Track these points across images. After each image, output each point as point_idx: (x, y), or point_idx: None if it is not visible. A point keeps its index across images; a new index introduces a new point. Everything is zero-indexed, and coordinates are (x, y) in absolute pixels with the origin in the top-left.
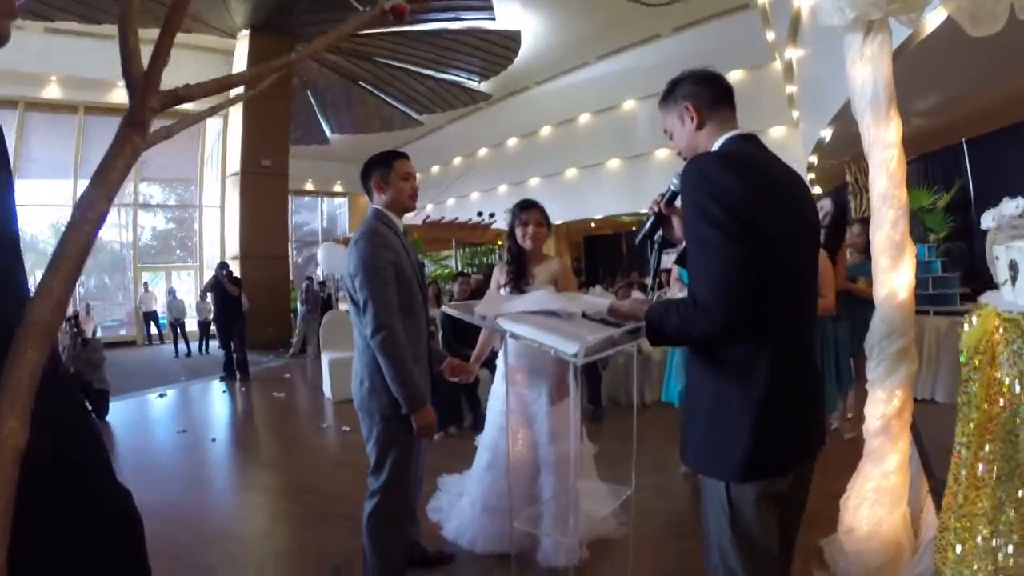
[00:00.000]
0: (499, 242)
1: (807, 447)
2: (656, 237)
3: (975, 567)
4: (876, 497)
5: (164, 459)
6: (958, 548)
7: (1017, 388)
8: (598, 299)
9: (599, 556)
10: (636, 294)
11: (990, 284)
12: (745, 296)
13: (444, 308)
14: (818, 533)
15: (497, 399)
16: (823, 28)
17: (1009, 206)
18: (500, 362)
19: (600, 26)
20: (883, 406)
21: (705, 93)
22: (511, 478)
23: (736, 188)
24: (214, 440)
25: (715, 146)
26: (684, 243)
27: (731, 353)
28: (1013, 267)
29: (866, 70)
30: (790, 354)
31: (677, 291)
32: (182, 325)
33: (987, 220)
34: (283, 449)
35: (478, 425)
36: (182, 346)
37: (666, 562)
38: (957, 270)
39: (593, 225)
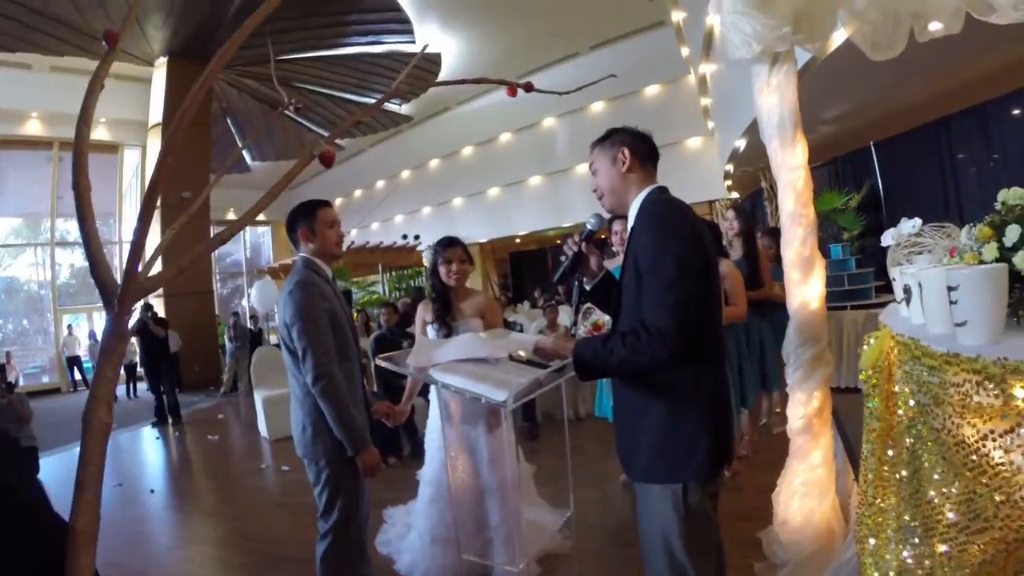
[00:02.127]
0: (425, 264)
1: (732, 449)
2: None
3: (887, 557)
4: (805, 490)
5: (102, 517)
6: (872, 541)
7: (911, 402)
8: (524, 337)
9: (549, 571)
10: (564, 312)
11: None
12: (696, 324)
13: (378, 360)
14: (754, 526)
15: (435, 433)
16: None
17: (907, 225)
18: (434, 396)
19: (518, 46)
20: (803, 407)
21: (641, 147)
22: (455, 510)
23: (689, 231)
24: (152, 492)
25: (641, 195)
26: (598, 277)
27: (681, 375)
28: (907, 291)
29: (773, 98)
30: (721, 371)
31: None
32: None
33: (887, 238)
34: (223, 495)
35: (417, 453)
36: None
37: (612, 571)
38: (871, 265)
39: (518, 241)
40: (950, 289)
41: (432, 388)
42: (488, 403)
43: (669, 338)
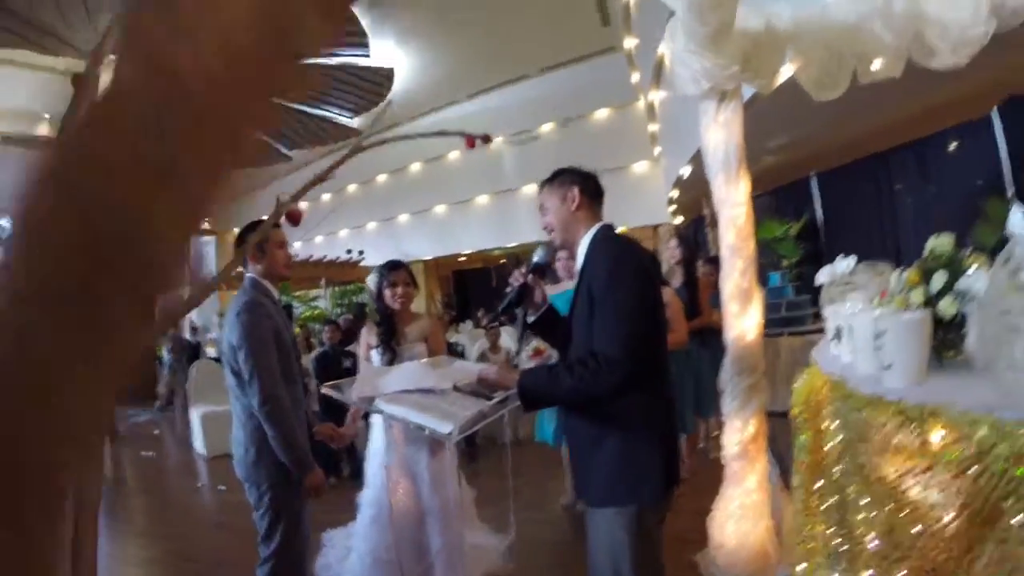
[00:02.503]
0: (369, 286)
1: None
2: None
3: None
4: (741, 513)
5: None
6: (802, 566)
7: (839, 437)
8: (468, 365)
9: None
10: (506, 334)
11: None
12: (645, 354)
13: (323, 389)
14: (691, 548)
15: (376, 455)
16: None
17: (841, 265)
18: (376, 418)
19: (471, 66)
20: (739, 434)
21: (589, 186)
22: (396, 532)
23: (639, 265)
24: None
25: (591, 232)
26: (541, 310)
27: (633, 404)
28: (838, 331)
29: (719, 135)
30: (669, 398)
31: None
32: None
33: (822, 276)
34: (158, 514)
35: (356, 474)
36: None
37: None
38: (808, 293)
39: (462, 259)
40: (877, 335)
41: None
42: (433, 435)
43: (619, 367)
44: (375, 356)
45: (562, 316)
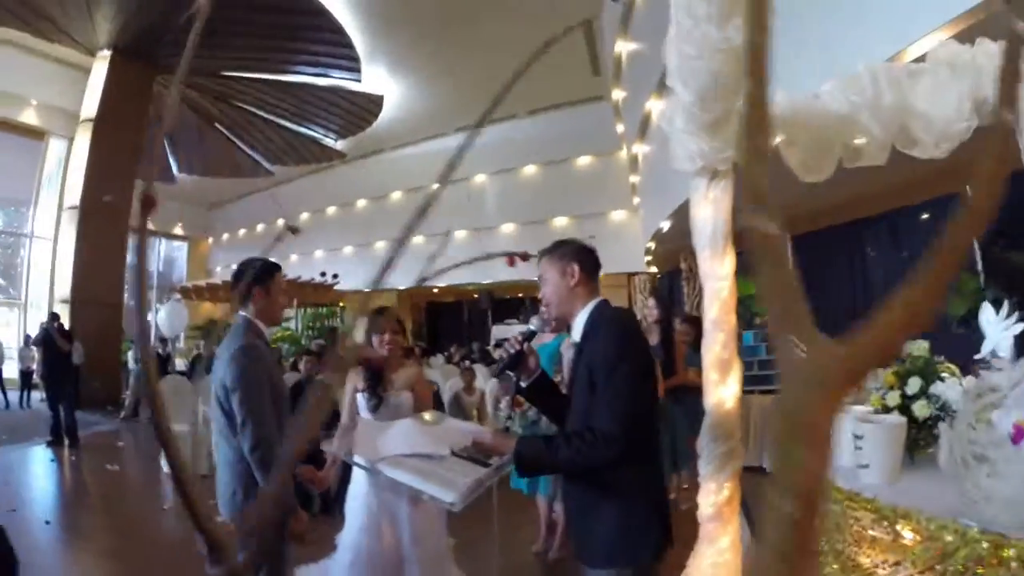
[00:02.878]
0: (341, 303)
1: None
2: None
3: None
4: (713, 572)
5: None
6: None
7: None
8: (462, 426)
9: None
10: (479, 372)
11: None
12: (640, 428)
13: (324, 446)
14: None
15: (358, 499)
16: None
17: None
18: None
19: (460, 101)
20: (714, 496)
21: (587, 261)
22: None
23: (637, 346)
24: (48, 523)
25: (589, 307)
26: (534, 376)
27: (630, 473)
28: None
29: (708, 211)
30: (659, 462)
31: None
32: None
33: None
34: (124, 535)
35: (327, 510)
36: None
37: None
38: None
39: (435, 291)
40: (856, 437)
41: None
42: (437, 504)
43: (615, 443)
44: (361, 401)
45: (552, 382)
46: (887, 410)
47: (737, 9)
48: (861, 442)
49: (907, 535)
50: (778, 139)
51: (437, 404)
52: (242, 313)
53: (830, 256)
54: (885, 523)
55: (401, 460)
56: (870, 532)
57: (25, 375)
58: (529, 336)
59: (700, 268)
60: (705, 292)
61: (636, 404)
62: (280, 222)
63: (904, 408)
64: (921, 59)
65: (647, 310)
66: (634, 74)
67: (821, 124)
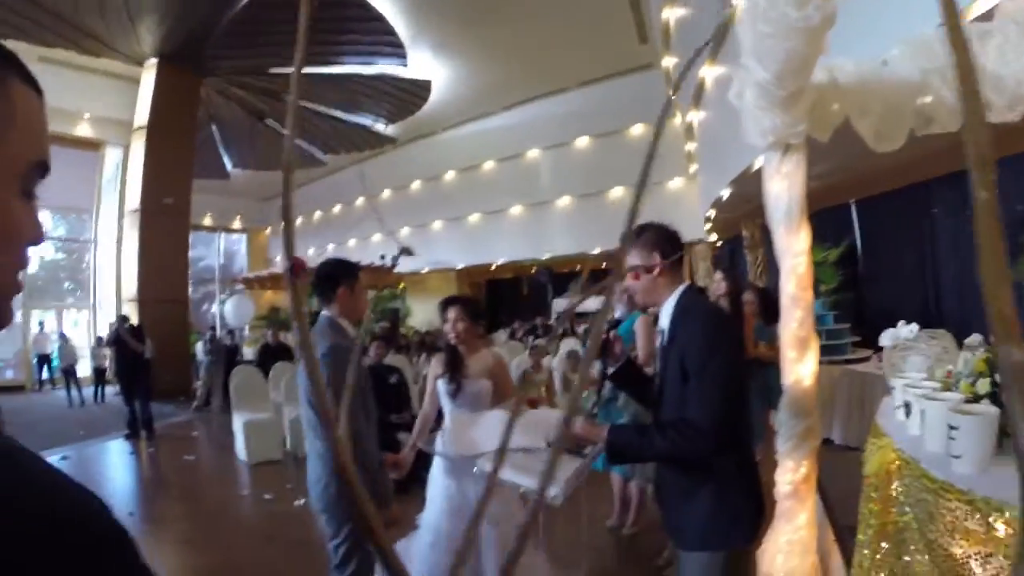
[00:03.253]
0: (401, 285)
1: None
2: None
3: None
4: (789, 548)
5: None
6: None
7: (907, 510)
8: (552, 415)
9: None
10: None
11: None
12: (734, 418)
13: (419, 444)
14: None
15: (437, 481)
16: (727, 102)
17: (904, 330)
18: (439, 446)
19: (508, 77)
20: (792, 474)
21: (670, 248)
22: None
23: (729, 336)
24: (131, 515)
25: (675, 295)
26: (620, 362)
27: (723, 461)
28: (907, 406)
29: (782, 185)
30: (751, 447)
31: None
32: (74, 372)
33: (886, 339)
34: (207, 523)
35: (402, 489)
36: (75, 394)
37: None
38: (847, 320)
39: (494, 268)
40: (951, 427)
41: (437, 444)
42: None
43: (710, 436)
44: (441, 386)
45: (638, 368)
46: (977, 398)
47: None
48: (956, 432)
49: (1000, 528)
50: (848, 114)
51: None
52: (325, 313)
53: (896, 220)
54: (978, 515)
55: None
56: (964, 523)
57: (98, 372)
58: (614, 324)
59: (775, 244)
60: (781, 268)
61: (729, 397)
62: (337, 208)
63: (994, 396)
64: (988, 16)
65: (714, 284)
66: (683, 40)
67: (891, 92)
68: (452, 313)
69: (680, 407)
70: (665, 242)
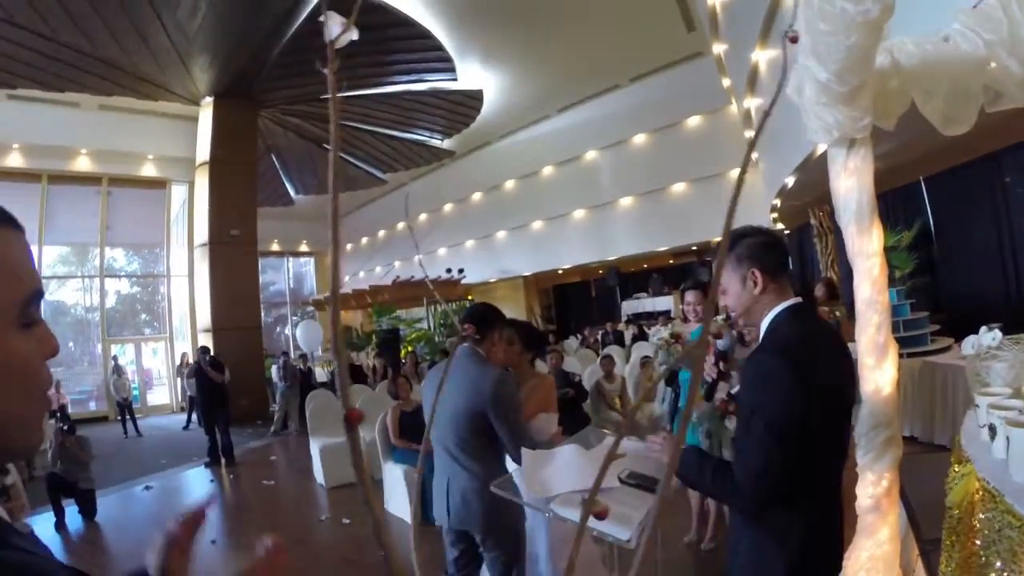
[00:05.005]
0: (469, 296)
1: None
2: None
3: None
4: (871, 565)
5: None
6: None
7: (990, 545)
8: (628, 445)
9: None
10: (616, 355)
11: (955, 317)
12: (775, 485)
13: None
14: None
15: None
16: (785, 87)
17: (987, 337)
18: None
19: (559, 80)
20: (873, 487)
21: (770, 259)
22: None
23: (795, 397)
24: (214, 542)
25: (773, 312)
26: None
27: (770, 515)
28: (992, 429)
29: (850, 181)
30: (823, 518)
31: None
32: (129, 406)
33: (968, 347)
34: (288, 549)
35: None
36: (131, 426)
37: None
38: (924, 308)
39: (560, 273)
40: None
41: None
42: (614, 542)
43: (749, 493)
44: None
45: None
46: None
47: None
48: None
49: None
50: (914, 97)
51: (579, 394)
52: (473, 347)
53: (969, 196)
54: None
55: (570, 497)
56: None
57: (191, 400)
58: (722, 356)
59: (847, 245)
60: (855, 271)
61: (768, 458)
62: (400, 225)
63: None
64: None
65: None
66: (732, 25)
67: (956, 69)
68: (494, 335)
69: (740, 440)
70: (764, 251)
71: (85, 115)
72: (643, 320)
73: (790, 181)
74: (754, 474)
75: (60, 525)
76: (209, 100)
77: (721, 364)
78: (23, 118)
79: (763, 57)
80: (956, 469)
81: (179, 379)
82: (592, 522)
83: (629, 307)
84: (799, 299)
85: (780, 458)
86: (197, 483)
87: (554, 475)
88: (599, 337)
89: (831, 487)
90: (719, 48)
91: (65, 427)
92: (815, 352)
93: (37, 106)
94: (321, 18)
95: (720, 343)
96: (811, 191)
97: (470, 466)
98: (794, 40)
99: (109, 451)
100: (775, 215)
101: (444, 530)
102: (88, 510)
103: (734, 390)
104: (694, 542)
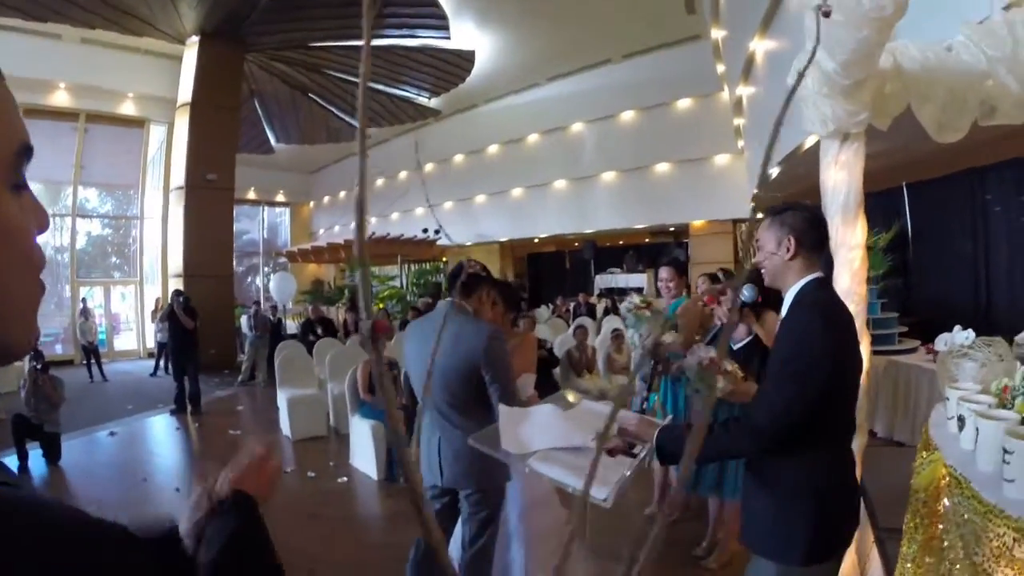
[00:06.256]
0: (444, 259)
1: (851, 534)
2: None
3: None
4: None
5: (129, 514)
6: None
7: (953, 529)
8: (596, 407)
9: None
10: (588, 324)
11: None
12: (794, 423)
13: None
14: None
15: None
16: (779, 77)
17: (960, 335)
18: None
19: (552, 49)
20: None
21: (811, 234)
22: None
23: (828, 352)
24: (177, 490)
25: (799, 284)
26: (743, 341)
27: (787, 467)
28: (961, 420)
29: (840, 175)
30: (843, 455)
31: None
32: (96, 350)
33: (940, 344)
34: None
35: None
36: (96, 371)
37: None
38: (895, 308)
39: (536, 241)
40: (1006, 451)
41: None
42: (592, 500)
43: (760, 437)
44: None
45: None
46: None
47: None
48: (1010, 456)
49: None
50: (911, 101)
51: (551, 360)
52: (460, 302)
53: (949, 205)
54: None
55: (550, 454)
56: (1013, 551)
57: (160, 346)
58: (740, 306)
59: (831, 236)
60: (836, 261)
61: (806, 400)
62: (380, 182)
63: None
64: None
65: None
66: (734, 12)
67: (955, 79)
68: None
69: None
70: (805, 226)
71: (66, 47)
72: (615, 295)
73: (774, 172)
74: (776, 410)
75: (23, 468)
76: (195, 39)
77: (740, 312)
78: (1, 47)
79: (761, 47)
80: (924, 455)
81: (151, 324)
82: (568, 479)
83: (602, 281)
84: (822, 274)
85: (803, 400)
86: (162, 430)
87: (532, 433)
88: (571, 308)
89: (846, 443)
90: (718, 33)
91: (39, 366)
92: (844, 316)
93: (16, 36)
94: None
95: (745, 294)
96: (794, 184)
97: (462, 424)
98: (827, 14)
99: (74, 395)
100: (754, 204)
101: (429, 487)
102: (52, 454)
103: (736, 345)
104: (654, 514)
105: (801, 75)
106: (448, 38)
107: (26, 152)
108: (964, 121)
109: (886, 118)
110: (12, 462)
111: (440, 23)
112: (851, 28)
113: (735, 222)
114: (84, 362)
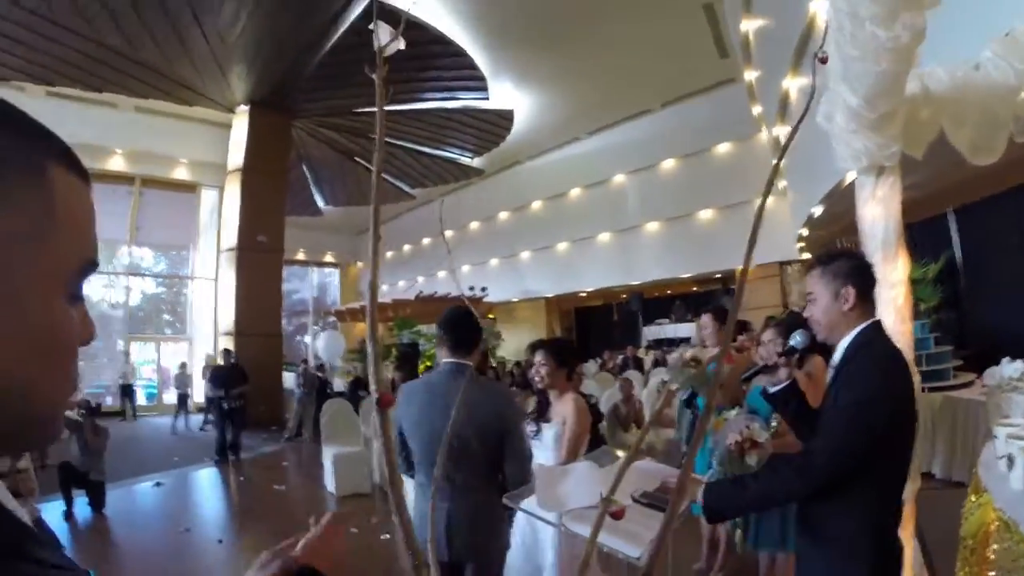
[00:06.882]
0: (490, 315)
1: None
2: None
3: None
4: None
5: (171, 563)
6: None
7: (1007, 571)
8: (646, 467)
9: None
10: (635, 380)
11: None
12: (847, 464)
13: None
14: None
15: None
16: (813, 114)
17: (1009, 368)
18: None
19: (590, 103)
20: None
21: (863, 282)
22: None
23: (888, 398)
24: (220, 542)
25: (855, 330)
26: (781, 384)
27: (840, 530)
28: (1011, 459)
29: (877, 210)
30: (890, 532)
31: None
32: (132, 392)
33: (989, 378)
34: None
35: None
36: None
37: None
38: (948, 342)
39: (583, 295)
40: None
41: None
42: (624, 559)
43: (811, 474)
44: (526, 427)
45: (802, 392)
46: None
47: (903, 4)
48: None
49: None
50: (943, 125)
51: (595, 416)
52: (463, 362)
53: (999, 229)
54: None
55: (585, 513)
56: None
57: (209, 400)
58: (790, 352)
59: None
60: (879, 299)
61: (863, 442)
62: (426, 241)
63: None
64: None
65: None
66: (765, 52)
67: (987, 97)
68: (538, 357)
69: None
70: (859, 273)
71: (121, 116)
72: (664, 346)
73: (817, 210)
74: (834, 453)
75: (69, 515)
76: (244, 108)
77: (786, 360)
78: (60, 116)
79: (794, 85)
80: (973, 499)
81: (199, 379)
82: (603, 538)
83: (650, 332)
84: (879, 318)
85: (865, 441)
86: (207, 482)
87: (569, 491)
88: (619, 362)
89: (899, 493)
90: (751, 75)
91: (87, 412)
92: (903, 361)
93: (75, 104)
94: (369, 26)
95: (796, 340)
96: (839, 221)
97: (481, 492)
98: (824, 61)
99: (124, 446)
100: (802, 244)
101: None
102: (97, 501)
103: (773, 389)
104: (703, 570)
105: (798, 124)
106: (487, 98)
107: (92, 268)
108: (999, 140)
109: (920, 145)
110: (58, 507)
111: (478, 84)
112: (869, 62)
113: (781, 264)
114: (120, 405)
